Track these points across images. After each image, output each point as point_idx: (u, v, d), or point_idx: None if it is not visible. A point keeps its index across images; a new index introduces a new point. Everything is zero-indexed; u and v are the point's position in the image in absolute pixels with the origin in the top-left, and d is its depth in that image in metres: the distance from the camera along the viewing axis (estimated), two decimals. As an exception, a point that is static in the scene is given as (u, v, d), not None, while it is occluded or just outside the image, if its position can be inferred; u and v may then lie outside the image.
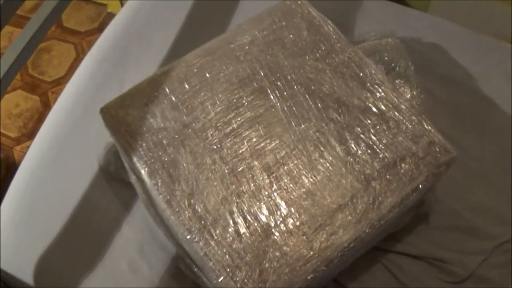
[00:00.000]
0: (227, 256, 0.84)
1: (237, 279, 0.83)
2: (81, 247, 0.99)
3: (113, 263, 0.97)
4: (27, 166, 1.06)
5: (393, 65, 1.17)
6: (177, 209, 0.88)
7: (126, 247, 0.99)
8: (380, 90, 1.00)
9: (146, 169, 0.91)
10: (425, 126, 0.97)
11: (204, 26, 1.27)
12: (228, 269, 0.84)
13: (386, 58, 1.17)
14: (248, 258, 0.84)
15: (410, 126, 0.96)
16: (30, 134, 1.63)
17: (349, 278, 1.00)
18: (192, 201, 0.88)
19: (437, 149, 0.95)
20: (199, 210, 0.88)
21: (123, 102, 0.98)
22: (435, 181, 0.95)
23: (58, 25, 1.86)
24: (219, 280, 0.84)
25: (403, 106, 0.98)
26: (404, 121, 0.97)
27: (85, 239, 1.00)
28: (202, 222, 0.87)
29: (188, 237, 0.86)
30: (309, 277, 0.84)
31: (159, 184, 0.90)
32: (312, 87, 0.99)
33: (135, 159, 0.92)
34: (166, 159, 0.92)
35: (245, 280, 0.83)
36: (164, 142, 0.93)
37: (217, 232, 0.86)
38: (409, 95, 1.13)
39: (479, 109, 1.19)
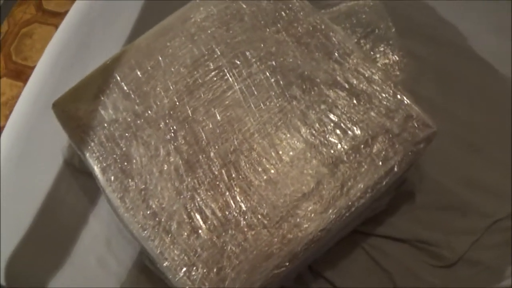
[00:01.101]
0: (183, 255, 0.79)
1: (194, 278, 0.78)
2: (49, 244, 0.96)
3: (81, 259, 0.95)
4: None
5: (372, 27, 1.06)
6: (130, 206, 0.83)
7: (94, 242, 0.96)
8: (349, 61, 0.90)
9: (98, 165, 0.86)
10: (401, 98, 0.87)
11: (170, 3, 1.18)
12: (185, 268, 0.79)
13: (363, 21, 1.07)
14: (205, 256, 0.79)
15: (384, 100, 0.87)
16: (18, 122, 1.60)
17: (326, 265, 0.94)
18: (146, 197, 0.83)
19: (415, 124, 0.86)
20: (154, 206, 0.82)
21: (74, 95, 0.92)
22: (414, 160, 0.86)
23: (39, 8, 1.80)
24: (176, 280, 0.79)
25: (376, 77, 0.89)
26: (377, 94, 0.88)
27: (53, 235, 0.97)
28: (157, 218, 0.82)
29: (143, 234, 0.81)
30: (271, 274, 0.78)
31: (112, 180, 0.85)
32: (273, 63, 0.91)
33: (87, 155, 0.87)
34: (118, 153, 0.86)
35: (203, 279, 0.78)
36: (116, 135, 0.88)
37: (173, 228, 0.81)
38: (389, 60, 1.03)
39: (469, 71, 1.07)
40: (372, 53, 1.04)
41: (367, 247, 0.95)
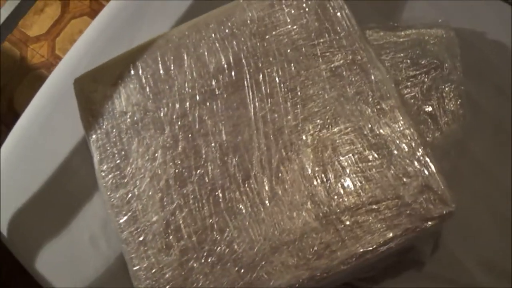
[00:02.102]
0: (150, 268, 0.78)
1: (154, 294, 0.78)
2: (52, 209, 0.99)
3: (77, 233, 0.97)
4: (23, 122, 1.07)
5: (437, 63, 0.92)
6: (116, 204, 0.83)
7: (92, 220, 0.97)
8: (383, 107, 0.79)
9: (98, 154, 0.86)
10: (425, 164, 0.76)
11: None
12: (148, 281, 0.78)
13: (430, 53, 0.92)
14: (170, 276, 0.78)
15: (405, 161, 0.77)
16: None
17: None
18: (132, 199, 0.82)
19: (431, 198, 0.75)
20: (136, 211, 0.82)
21: (95, 75, 0.91)
22: (418, 237, 0.76)
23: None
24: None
25: (406, 132, 0.78)
26: (400, 153, 0.77)
27: (58, 202, 0.99)
28: (135, 225, 0.81)
29: (120, 236, 0.82)
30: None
31: (106, 173, 0.85)
32: (298, 91, 0.82)
33: (91, 141, 0.87)
34: (119, 147, 0.85)
35: (161, 300, 0.77)
36: (122, 128, 0.86)
37: (147, 239, 0.80)
38: (443, 106, 0.90)
39: None
40: (427, 92, 0.91)
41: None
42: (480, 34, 0.95)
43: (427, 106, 0.91)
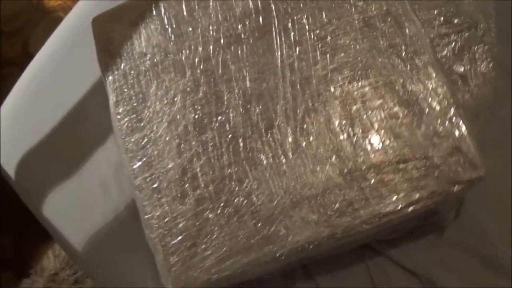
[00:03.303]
0: (163, 217, 0.75)
1: (165, 244, 0.74)
2: (64, 151, 0.96)
3: (87, 177, 0.93)
4: (37, 61, 1.03)
5: (470, 23, 0.87)
6: (131, 149, 0.79)
7: (104, 165, 0.93)
8: (415, 62, 0.75)
9: (115, 96, 0.82)
10: (456, 125, 0.72)
11: None
12: (160, 231, 0.75)
13: (464, 12, 0.88)
14: (183, 226, 0.74)
15: (437, 121, 0.73)
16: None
17: (321, 269, 0.85)
18: (147, 144, 0.79)
19: (461, 161, 0.72)
20: (152, 156, 0.78)
21: (115, 15, 0.87)
22: (445, 202, 0.73)
23: None
24: (149, 238, 0.76)
25: (439, 91, 0.74)
26: (432, 111, 0.73)
27: (71, 144, 0.96)
28: (150, 171, 0.78)
29: (134, 182, 0.78)
30: (242, 268, 0.72)
31: (122, 115, 0.81)
32: (328, 39, 0.78)
33: (108, 81, 0.83)
34: (137, 90, 0.81)
35: (172, 249, 0.74)
36: (141, 70, 0.82)
37: (161, 186, 0.77)
38: (474, 68, 0.86)
39: None
40: (459, 52, 0.87)
41: (371, 265, 0.84)
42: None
43: (459, 66, 0.87)
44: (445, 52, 0.87)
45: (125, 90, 0.82)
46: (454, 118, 0.73)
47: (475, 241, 0.83)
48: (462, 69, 0.86)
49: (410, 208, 0.72)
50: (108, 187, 0.93)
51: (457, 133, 0.72)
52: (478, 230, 0.84)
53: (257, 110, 0.77)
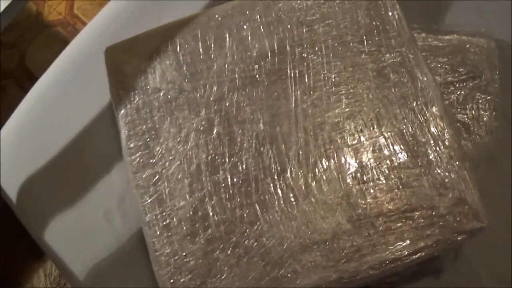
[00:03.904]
0: (173, 255, 0.76)
1: (174, 282, 0.75)
2: (67, 178, 0.96)
3: (91, 206, 0.93)
4: (42, 82, 1.02)
5: (475, 73, 0.91)
6: (141, 185, 0.80)
7: (108, 194, 0.94)
8: (426, 114, 0.78)
9: (127, 130, 0.82)
10: (462, 177, 0.75)
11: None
12: (169, 268, 0.76)
13: (469, 62, 0.91)
14: (193, 265, 0.75)
15: (443, 172, 0.75)
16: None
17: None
18: (159, 181, 0.79)
19: (465, 211, 0.74)
20: (163, 194, 0.79)
21: (129, 46, 0.87)
22: (446, 249, 0.75)
23: None
24: (158, 275, 0.77)
25: (447, 142, 0.77)
26: (439, 163, 0.76)
27: (74, 171, 0.96)
28: (161, 208, 0.78)
29: (144, 218, 0.79)
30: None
31: (133, 151, 0.81)
32: (342, 88, 0.80)
33: (119, 115, 0.84)
34: (150, 125, 0.82)
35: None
36: (154, 105, 0.83)
37: (172, 224, 0.77)
38: (478, 117, 0.89)
39: None
40: (463, 101, 0.90)
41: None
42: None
43: (462, 115, 0.90)
44: (449, 100, 0.90)
45: (138, 124, 0.82)
46: (460, 170, 0.75)
47: (469, 285, 0.86)
48: (465, 117, 0.89)
49: (416, 256, 0.74)
50: (111, 217, 0.93)
51: (463, 184, 0.75)
52: (472, 275, 0.87)
53: (270, 154, 0.78)
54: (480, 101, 0.90)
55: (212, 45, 0.84)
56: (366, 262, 0.74)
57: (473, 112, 0.90)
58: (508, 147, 0.89)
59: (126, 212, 0.93)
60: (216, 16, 0.86)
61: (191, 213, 0.77)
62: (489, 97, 0.89)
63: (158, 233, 0.77)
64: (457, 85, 0.91)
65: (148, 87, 0.84)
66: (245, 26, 0.84)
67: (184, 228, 0.77)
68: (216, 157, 0.79)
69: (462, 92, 0.90)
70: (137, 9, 1.04)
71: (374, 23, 0.82)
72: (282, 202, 0.76)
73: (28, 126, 0.99)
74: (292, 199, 0.76)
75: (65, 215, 0.93)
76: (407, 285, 0.86)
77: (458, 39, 0.92)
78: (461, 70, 0.91)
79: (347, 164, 0.77)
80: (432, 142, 0.77)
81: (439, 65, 0.91)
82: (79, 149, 0.97)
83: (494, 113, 0.89)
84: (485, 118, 0.89)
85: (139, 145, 0.81)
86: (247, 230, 0.76)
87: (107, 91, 0.94)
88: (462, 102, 0.90)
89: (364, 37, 0.82)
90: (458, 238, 0.74)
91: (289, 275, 0.74)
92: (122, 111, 0.83)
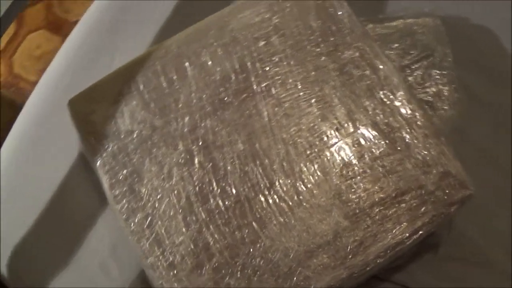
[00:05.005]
0: (183, 290, 0.76)
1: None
2: (54, 240, 0.93)
3: (85, 261, 0.92)
4: (9, 146, 0.99)
5: (427, 52, 0.95)
6: (136, 230, 0.79)
7: (99, 245, 0.92)
8: (394, 101, 0.81)
9: (108, 179, 0.82)
10: (442, 151, 0.78)
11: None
12: (182, 304, 0.76)
13: (420, 43, 0.95)
14: (205, 296, 0.76)
15: (423, 151, 0.78)
16: (49, 79, 1.56)
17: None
18: (152, 223, 0.79)
19: (452, 183, 0.77)
20: (159, 234, 0.78)
21: (92, 96, 0.86)
22: (441, 223, 0.78)
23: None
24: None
25: (419, 123, 0.80)
26: (417, 143, 0.79)
27: (59, 231, 0.94)
28: (161, 248, 0.78)
29: (146, 262, 0.78)
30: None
31: (119, 198, 0.80)
32: (309, 91, 0.82)
33: (97, 165, 0.83)
34: (130, 169, 0.81)
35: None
36: (130, 148, 0.82)
37: (176, 261, 0.77)
38: (439, 92, 0.93)
39: None
40: (422, 81, 0.94)
41: (381, 293, 0.89)
42: (464, 20, 0.99)
43: (424, 94, 0.94)
44: (408, 83, 0.93)
45: (118, 171, 0.81)
46: (437, 146, 0.79)
47: (467, 252, 0.90)
48: (427, 96, 0.93)
49: (416, 236, 0.76)
50: (108, 268, 0.92)
51: (443, 158, 0.78)
52: (467, 242, 0.90)
53: (255, 171, 0.79)
54: (437, 77, 0.94)
55: (175, 77, 0.85)
56: (372, 253, 0.75)
57: (433, 89, 0.93)
58: (472, 115, 0.93)
59: (121, 259, 0.92)
60: (172, 47, 0.87)
61: (192, 246, 0.77)
62: (445, 72, 0.93)
63: (164, 273, 0.77)
64: (412, 67, 0.95)
65: (119, 131, 0.83)
66: (202, 52, 0.85)
67: (189, 262, 0.76)
68: (204, 186, 0.79)
69: (419, 72, 0.94)
70: (88, 53, 1.03)
71: (326, 24, 0.85)
72: (278, 215, 0.77)
73: (4, 197, 0.96)
74: (287, 210, 0.77)
75: (61, 277, 0.91)
76: (408, 266, 0.89)
77: (405, 23, 0.96)
78: (413, 52, 0.95)
79: (331, 164, 0.78)
80: (405, 125, 0.80)
81: (392, 52, 0.95)
82: (59, 207, 0.95)
83: (453, 85, 0.93)
84: (445, 93, 0.93)
85: (124, 191, 0.81)
86: (251, 250, 0.76)
87: (74, 140, 0.93)
88: (420, 82, 0.94)
89: (320, 39, 0.84)
90: (451, 210, 0.77)
91: (301, 283, 0.75)
92: (99, 162, 0.82)
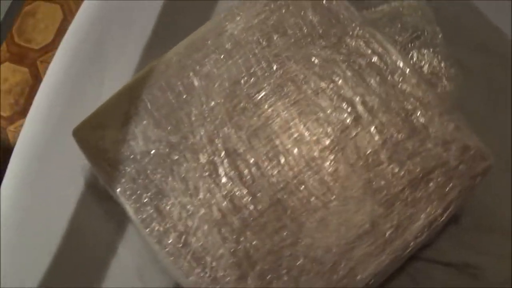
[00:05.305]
0: (231, 302, 0.75)
1: (243, 330, 0.74)
2: (77, 279, 0.89)
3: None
4: (6, 195, 0.94)
5: (417, 32, 0.97)
6: (171, 251, 0.76)
7: (125, 275, 0.89)
8: (404, 85, 0.82)
9: (132, 204, 0.79)
10: (458, 127, 0.80)
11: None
12: (232, 318, 0.74)
13: (409, 25, 0.97)
14: (254, 307, 0.74)
15: (440, 128, 0.80)
16: (22, 111, 1.50)
17: None
18: (187, 241, 0.76)
19: (472, 156, 0.80)
20: (197, 251, 0.76)
21: (97, 121, 0.82)
22: (468, 196, 0.80)
23: (41, -17, 1.64)
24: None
25: (432, 103, 0.81)
26: (433, 122, 0.80)
27: (78, 269, 0.89)
28: (202, 265, 0.76)
29: (188, 281, 0.76)
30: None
31: (147, 221, 0.78)
32: (321, 85, 0.82)
33: (118, 192, 0.79)
34: (153, 191, 0.79)
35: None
36: (149, 170, 0.79)
37: (219, 275, 0.75)
38: (435, 70, 0.95)
39: None
40: (417, 61, 0.96)
41: (413, 272, 0.90)
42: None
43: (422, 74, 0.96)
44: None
45: (141, 195, 0.79)
46: (452, 122, 0.81)
47: (489, 220, 0.93)
48: (425, 75, 0.95)
49: (448, 212, 0.78)
50: (137, 295, 0.89)
51: (460, 133, 0.80)
52: (484, 209, 0.93)
53: (282, 172, 0.78)
54: (431, 55, 0.96)
55: (182, 90, 0.83)
56: (410, 235, 0.76)
57: (429, 68, 0.96)
58: (469, 88, 0.96)
59: (151, 284, 0.89)
60: (172, 60, 0.84)
61: (232, 257, 0.75)
62: (438, 49, 0.96)
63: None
64: (405, 49, 0.96)
65: (135, 154, 0.80)
66: (206, 61, 0.84)
67: (232, 274, 0.75)
68: (233, 195, 0.77)
69: (414, 53, 0.96)
70: (75, 81, 1.00)
71: (325, 18, 0.85)
72: (312, 212, 0.77)
73: (12, 241, 0.91)
74: (321, 206, 0.77)
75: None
76: (437, 240, 0.91)
77: (390, 7, 0.98)
78: (404, 34, 0.97)
79: (356, 154, 0.79)
80: (420, 107, 0.81)
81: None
82: (73, 243, 0.91)
83: (447, 62, 0.95)
84: (442, 69, 0.95)
85: (150, 213, 0.78)
86: (293, 251, 0.75)
87: (76, 171, 0.90)
88: (416, 63, 0.96)
89: (322, 33, 0.84)
90: (476, 181, 0.79)
91: (347, 275, 0.75)
92: (119, 189, 0.79)
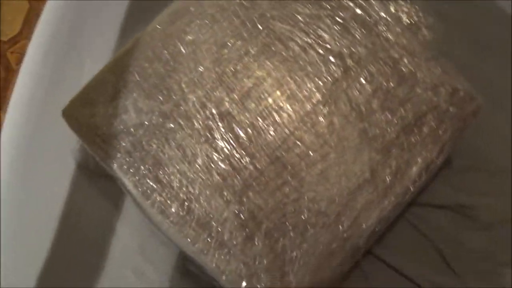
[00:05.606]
0: (242, 265, 0.74)
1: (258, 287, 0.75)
2: (76, 263, 0.88)
3: (115, 274, 0.87)
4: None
5: (394, -16, 0.98)
6: (175, 220, 0.76)
7: (126, 252, 0.88)
8: (389, 34, 0.83)
9: (130, 178, 0.78)
10: (445, 70, 0.82)
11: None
12: (246, 279, 0.74)
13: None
14: (266, 263, 0.74)
15: (428, 73, 0.81)
16: (-4, 106, 1.47)
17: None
18: (190, 208, 0.76)
19: (461, 97, 0.81)
20: (201, 216, 0.76)
21: (86, 98, 0.81)
22: (460, 137, 0.82)
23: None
24: (240, 289, 0.75)
25: (417, 49, 0.83)
26: (421, 68, 0.82)
27: (79, 252, 0.88)
28: (207, 230, 0.76)
29: (194, 248, 0.76)
30: (336, 271, 0.76)
31: (148, 193, 0.77)
32: (309, 40, 0.82)
33: (115, 168, 0.78)
34: (150, 162, 0.78)
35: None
36: (144, 140, 0.78)
37: (226, 238, 0.75)
38: (414, 20, 0.96)
39: (501, 32, 1.01)
40: (395, 11, 0.96)
41: (410, 217, 0.92)
42: None
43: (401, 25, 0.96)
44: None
45: (138, 167, 0.78)
46: (439, 66, 0.82)
47: (479, 161, 0.95)
48: (405, 24, 0.96)
49: (443, 154, 0.80)
50: (142, 271, 0.88)
51: (448, 77, 0.82)
52: (473, 150, 0.96)
53: (279, 129, 0.78)
54: (408, 6, 0.97)
55: (169, 58, 0.82)
56: (409, 177, 0.78)
57: (407, 17, 0.96)
58: (450, 36, 0.97)
59: (154, 258, 0.88)
60: (157, 30, 0.83)
61: (237, 219, 0.75)
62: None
63: (216, 254, 0.75)
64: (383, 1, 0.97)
65: (127, 127, 0.79)
66: (191, 28, 0.83)
67: (239, 236, 0.75)
68: (232, 157, 0.77)
69: (391, 4, 0.96)
70: (55, 64, 0.98)
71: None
72: (312, 166, 0.77)
73: (8, 230, 0.89)
74: (319, 159, 0.77)
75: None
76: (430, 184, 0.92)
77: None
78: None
79: (349, 106, 0.79)
80: (406, 54, 0.82)
81: None
82: (70, 226, 0.89)
83: (424, 12, 0.96)
84: (421, 19, 0.96)
85: (150, 185, 0.77)
86: (296, 207, 0.76)
87: (66, 154, 0.89)
88: (394, 13, 0.96)
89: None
90: (467, 123, 0.81)
91: (352, 225, 0.76)
92: (115, 164, 0.78)
